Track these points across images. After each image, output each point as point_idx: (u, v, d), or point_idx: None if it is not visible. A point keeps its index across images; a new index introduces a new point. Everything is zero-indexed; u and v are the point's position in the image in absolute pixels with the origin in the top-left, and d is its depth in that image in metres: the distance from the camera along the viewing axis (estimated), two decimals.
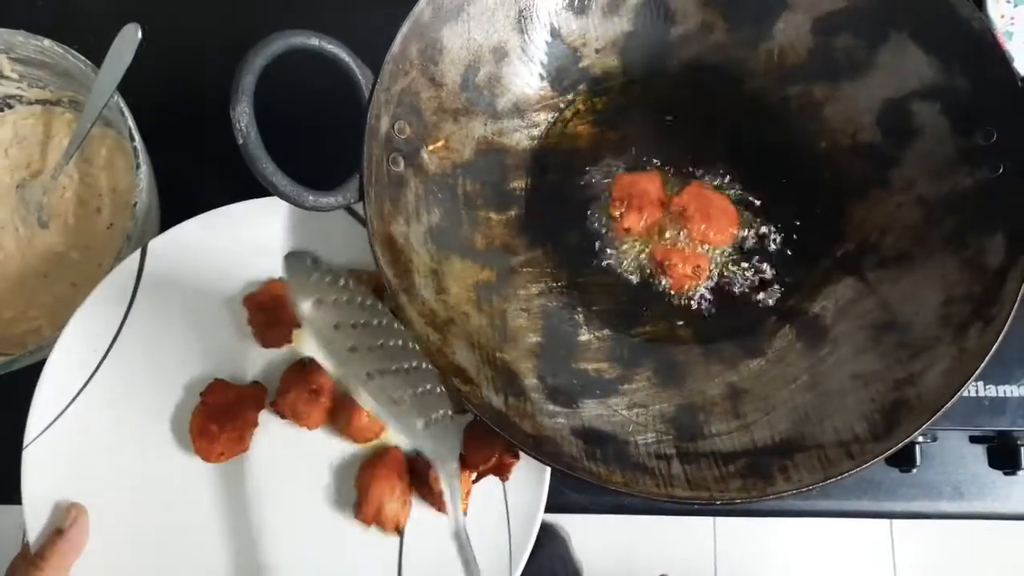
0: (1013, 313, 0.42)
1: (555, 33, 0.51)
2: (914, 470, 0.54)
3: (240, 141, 0.41)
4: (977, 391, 0.53)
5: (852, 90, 0.50)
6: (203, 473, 0.49)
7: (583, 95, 0.53)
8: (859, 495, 0.57)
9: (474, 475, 0.47)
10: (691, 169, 0.52)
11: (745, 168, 0.52)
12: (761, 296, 0.50)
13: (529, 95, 0.52)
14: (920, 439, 0.52)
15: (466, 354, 0.44)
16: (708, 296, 0.50)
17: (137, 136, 0.51)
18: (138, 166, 0.50)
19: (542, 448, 0.41)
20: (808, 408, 0.45)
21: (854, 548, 1.29)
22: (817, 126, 0.51)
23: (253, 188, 0.48)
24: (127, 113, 0.51)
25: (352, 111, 0.47)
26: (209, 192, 0.60)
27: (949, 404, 0.41)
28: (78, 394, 0.48)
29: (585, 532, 1.12)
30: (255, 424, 0.49)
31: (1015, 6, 0.55)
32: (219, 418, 0.48)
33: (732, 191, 0.51)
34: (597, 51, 0.52)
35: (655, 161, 0.52)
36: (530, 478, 0.47)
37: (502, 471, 0.47)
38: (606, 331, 0.49)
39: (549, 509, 0.57)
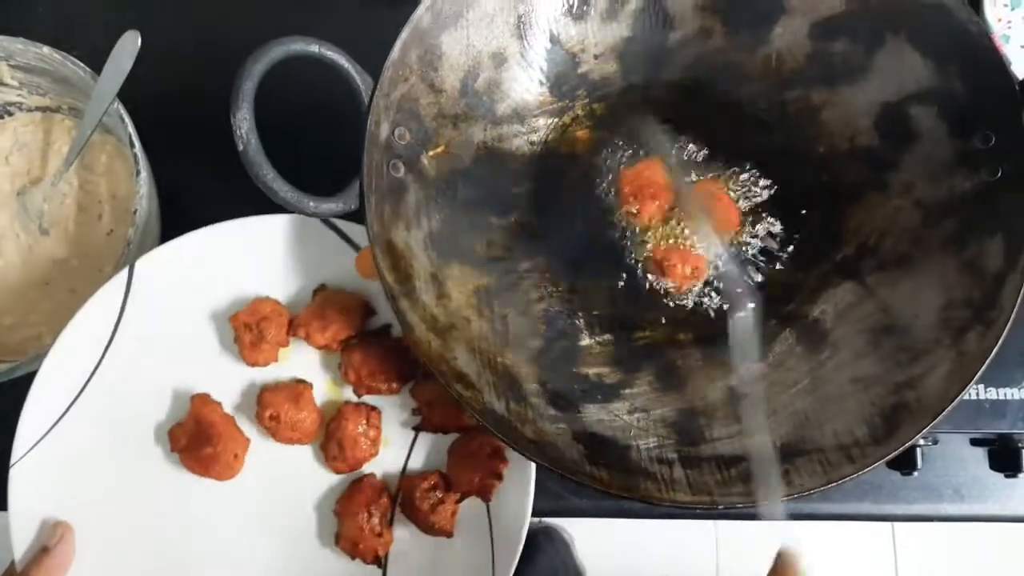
0: (1013, 316, 0.42)
1: (554, 39, 0.51)
2: (915, 473, 0.54)
3: (240, 147, 0.41)
4: (978, 394, 0.53)
5: (850, 94, 0.50)
6: (192, 491, 0.49)
7: (582, 101, 0.53)
8: (860, 498, 0.57)
9: (458, 496, 0.48)
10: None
11: (743, 172, 0.52)
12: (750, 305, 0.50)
13: (528, 101, 0.52)
14: (921, 442, 0.52)
15: (467, 359, 0.44)
16: (710, 300, 0.50)
17: (137, 143, 0.51)
18: (138, 173, 0.50)
19: (544, 453, 0.41)
20: (809, 412, 0.45)
21: (856, 551, 1.29)
22: (815, 130, 0.51)
23: (253, 194, 0.48)
24: (127, 120, 0.51)
25: (351, 118, 0.47)
26: (209, 199, 0.60)
27: (950, 408, 0.41)
28: (65, 412, 0.49)
29: (587, 535, 1.11)
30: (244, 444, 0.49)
31: (1012, 9, 0.56)
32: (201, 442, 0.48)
33: (731, 195, 0.51)
34: (596, 57, 0.52)
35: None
36: (513, 499, 0.47)
37: (485, 492, 0.47)
38: (607, 336, 0.49)
39: (551, 513, 0.57)
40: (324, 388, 0.51)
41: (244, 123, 0.41)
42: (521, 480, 0.47)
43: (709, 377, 0.48)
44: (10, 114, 0.59)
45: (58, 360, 0.48)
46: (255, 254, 0.51)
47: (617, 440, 0.44)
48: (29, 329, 0.55)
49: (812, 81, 0.51)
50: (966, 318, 0.43)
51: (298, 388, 0.49)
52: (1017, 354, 0.52)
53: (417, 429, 0.50)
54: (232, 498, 0.49)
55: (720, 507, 0.41)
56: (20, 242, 0.56)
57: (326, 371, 0.51)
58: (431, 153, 0.48)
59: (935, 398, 0.42)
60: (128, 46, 0.51)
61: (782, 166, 0.52)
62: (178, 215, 0.58)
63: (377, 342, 0.50)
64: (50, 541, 0.46)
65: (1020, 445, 0.53)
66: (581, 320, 0.50)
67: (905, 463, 0.54)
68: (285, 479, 0.50)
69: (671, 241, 0.50)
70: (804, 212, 0.51)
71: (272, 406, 0.48)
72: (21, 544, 0.46)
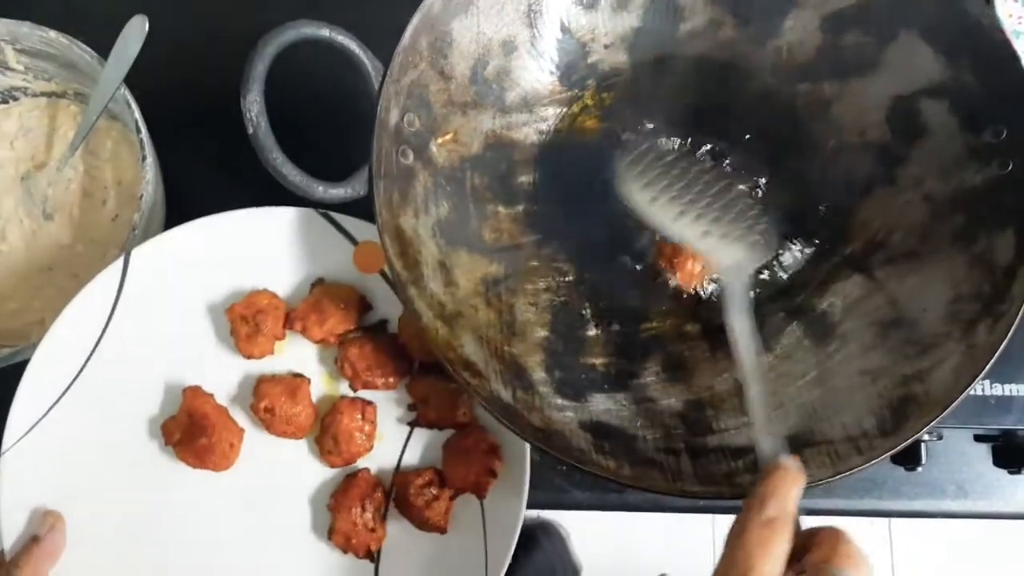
0: (1022, 310, 0.42)
1: (564, 28, 0.51)
2: (919, 468, 0.55)
3: (250, 131, 0.41)
4: (983, 390, 0.53)
5: (861, 88, 0.50)
6: (184, 483, 0.49)
7: (591, 90, 0.53)
8: (863, 494, 0.57)
9: (452, 492, 0.47)
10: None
11: (752, 164, 0.52)
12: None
13: (538, 89, 0.51)
14: (926, 437, 0.52)
15: (474, 347, 0.44)
16: (716, 293, 0.50)
17: (143, 128, 0.50)
18: (144, 158, 0.50)
19: (551, 442, 0.41)
20: (816, 404, 0.45)
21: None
22: (825, 124, 0.51)
23: (259, 181, 0.48)
24: (133, 105, 0.51)
25: (359, 105, 0.47)
26: (215, 186, 0.60)
27: (958, 400, 0.41)
28: (58, 400, 0.48)
29: (584, 530, 1.11)
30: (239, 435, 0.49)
31: None
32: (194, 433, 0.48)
33: (740, 186, 0.51)
34: (606, 46, 0.52)
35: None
36: (508, 496, 0.47)
37: (480, 489, 0.47)
38: (614, 326, 0.49)
39: (552, 506, 0.57)
40: (320, 382, 0.50)
41: (254, 106, 0.41)
42: (516, 477, 0.47)
43: (716, 368, 0.48)
44: (15, 99, 0.58)
45: (51, 348, 0.48)
46: (253, 246, 0.50)
47: (624, 430, 0.44)
48: (32, 314, 0.55)
49: (823, 74, 0.51)
50: (975, 311, 0.43)
51: (295, 382, 0.49)
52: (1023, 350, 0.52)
53: (412, 425, 0.49)
54: (225, 490, 0.49)
55: (727, 497, 0.41)
56: (24, 227, 0.56)
57: (322, 365, 0.51)
58: (440, 140, 0.48)
59: (943, 391, 0.42)
60: (135, 31, 0.51)
61: (792, 159, 0.51)
62: (183, 202, 0.58)
63: (374, 337, 0.49)
64: (40, 530, 0.45)
65: None
66: (588, 310, 0.50)
67: (910, 458, 0.54)
68: (279, 472, 0.49)
69: None
70: (813, 205, 0.51)
71: (268, 398, 0.48)
72: (11, 533, 0.46)
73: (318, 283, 0.51)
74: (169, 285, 0.50)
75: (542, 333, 0.48)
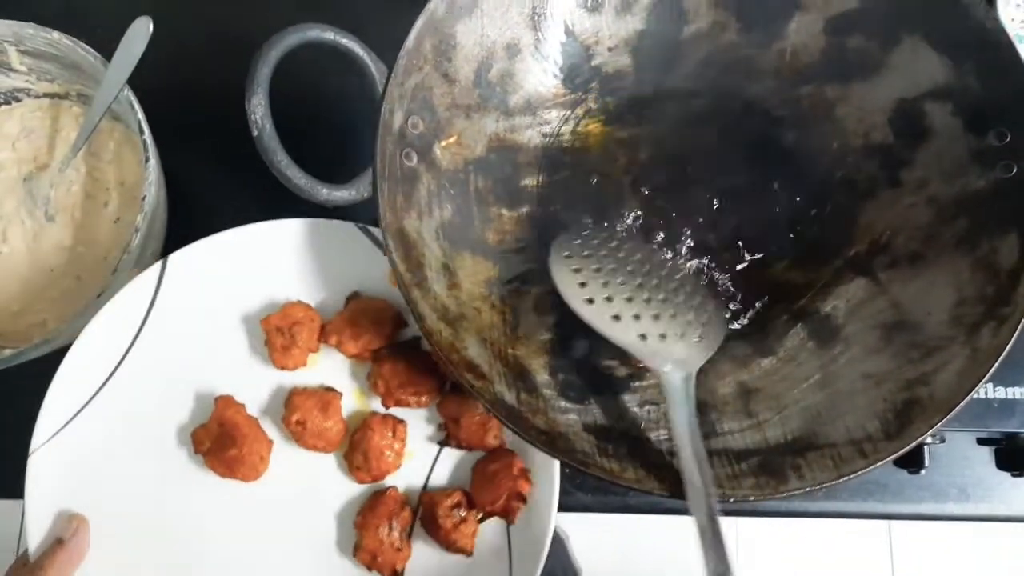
0: None
1: (568, 31, 0.51)
2: (922, 472, 0.55)
3: (255, 133, 0.41)
4: (986, 393, 0.53)
5: (864, 91, 0.50)
6: (210, 492, 0.49)
7: (595, 93, 0.53)
8: (865, 497, 0.57)
9: (480, 515, 0.47)
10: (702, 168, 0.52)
11: (755, 167, 0.52)
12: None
13: (541, 92, 0.51)
14: (929, 440, 0.52)
15: (478, 349, 0.44)
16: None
17: (146, 130, 0.50)
18: (147, 160, 0.50)
19: (555, 444, 0.41)
20: (820, 407, 0.45)
21: (853, 548, 1.29)
22: (829, 126, 0.51)
23: (262, 184, 0.48)
24: (137, 107, 0.51)
25: (363, 107, 0.47)
26: (218, 187, 0.60)
27: (962, 403, 0.41)
28: (87, 403, 0.48)
29: (584, 533, 1.11)
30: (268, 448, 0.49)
31: None
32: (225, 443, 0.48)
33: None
34: (610, 49, 0.52)
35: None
36: (536, 521, 0.47)
37: (509, 514, 0.47)
38: None
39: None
40: (351, 397, 0.50)
41: (259, 109, 0.41)
42: (544, 502, 0.47)
43: (719, 372, 0.48)
44: (18, 100, 0.58)
45: (84, 350, 0.48)
46: (288, 257, 0.50)
47: (627, 432, 0.44)
48: (34, 316, 0.55)
49: (826, 77, 0.51)
50: (979, 315, 0.43)
51: (327, 396, 0.49)
52: None
53: (442, 444, 0.49)
54: (252, 501, 0.48)
55: (730, 500, 0.41)
56: (26, 229, 0.56)
57: (354, 380, 0.50)
58: (444, 143, 0.48)
59: (947, 394, 0.42)
60: (139, 32, 0.51)
61: (794, 162, 0.51)
62: (186, 203, 0.58)
63: (408, 354, 0.49)
64: (65, 533, 0.45)
65: None
66: None
67: (913, 461, 0.54)
68: (307, 485, 0.49)
69: None
70: (816, 208, 0.51)
71: (300, 410, 0.48)
72: (36, 535, 0.46)
73: (353, 297, 0.51)
74: (205, 292, 0.50)
75: (546, 335, 0.48)
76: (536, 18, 0.50)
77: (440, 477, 0.49)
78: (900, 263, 0.48)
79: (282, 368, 0.49)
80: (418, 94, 0.46)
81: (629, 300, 0.45)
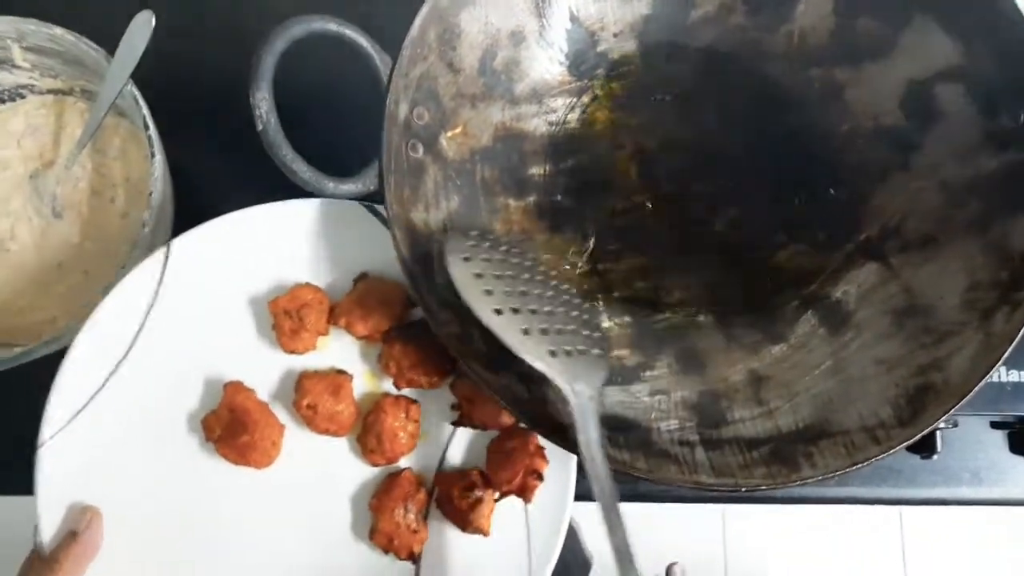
0: None
1: (573, 17, 0.51)
2: (935, 457, 0.54)
3: (260, 127, 0.41)
4: (999, 376, 0.53)
5: (875, 73, 0.49)
6: (223, 479, 0.48)
7: (601, 80, 0.52)
8: (879, 482, 0.57)
9: (496, 494, 0.47)
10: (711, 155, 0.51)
11: (765, 152, 0.51)
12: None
13: (547, 80, 0.51)
14: (942, 425, 0.51)
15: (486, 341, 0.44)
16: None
17: (151, 125, 0.50)
18: (152, 155, 0.49)
19: (566, 435, 0.41)
20: (832, 394, 0.44)
21: (864, 532, 1.29)
22: (839, 110, 0.50)
23: (268, 176, 0.47)
24: (141, 102, 0.50)
25: (368, 99, 0.46)
26: (224, 180, 0.60)
27: (976, 388, 0.41)
28: (96, 393, 0.48)
29: (594, 522, 1.11)
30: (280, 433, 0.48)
31: None
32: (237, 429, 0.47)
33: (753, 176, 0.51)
34: (615, 35, 0.52)
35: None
36: (553, 500, 0.46)
37: (525, 492, 0.46)
38: (626, 318, 0.49)
39: None
40: (362, 379, 0.50)
41: (263, 103, 0.40)
42: (562, 479, 0.46)
43: (730, 359, 0.47)
44: (22, 97, 0.58)
45: (90, 340, 0.47)
46: (294, 239, 0.50)
47: (639, 422, 0.44)
48: (42, 312, 0.55)
49: (836, 59, 0.50)
50: (992, 299, 0.43)
51: (338, 379, 0.48)
52: None
53: (456, 424, 0.49)
54: (265, 487, 0.48)
55: (743, 489, 0.41)
56: (33, 225, 0.56)
57: (364, 362, 0.50)
58: (450, 134, 0.47)
59: (961, 379, 0.41)
60: (142, 26, 0.50)
61: (805, 146, 0.51)
62: (192, 197, 0.58)
63: (418, 334, 0.48)
64: (78, 526, 0.45)
65: None
66: (600, 302, 0.49)
67: (926, 446, 0.53)
68: (320, 470, 0.49)
69: None
70: (827, 193, 0.50)
71: (311, 394, 0.47)
72: (49, 528, 0.46)
73: (361, 278, 0.50)
74: (210, 277, 0.49)
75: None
76: (540, 5, 0.49)
77: (455, 457, 0.49)
78: (911, 247, 0.47)
79: (291, 352, 0.49)
80: (423, 84, 0.45)
81: (534, 312, 0.42)
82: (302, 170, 0.42)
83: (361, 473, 0.49)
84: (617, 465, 0.40)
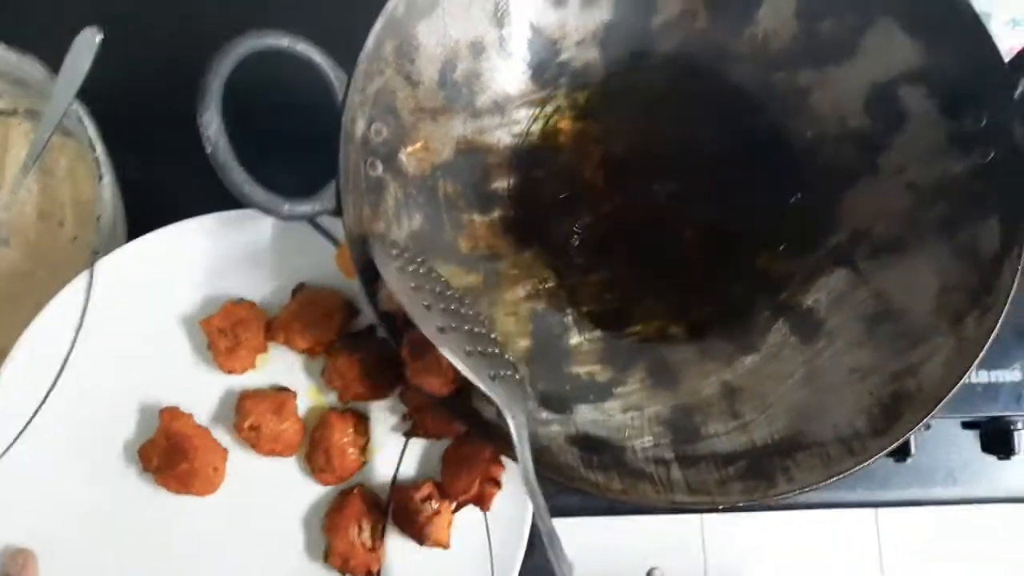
0: (1010, 300, 0.41)
1: (533, 26, 0.49)
2: (908, 459, 0.54)
3: (209, 150, 0.39)
4: (971, 377, 0.52)
5: (839, 75, 0.49)
6: (165, 510, 0.47)
7: (564, 89, 0.51)
8: (852, 485, 0.57)
9: (454, 505, 0.46)
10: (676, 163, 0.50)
11: (730, 159, 0.51)
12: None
13: (509, 91, 0.50)
14: None
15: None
16: None
17: (99, 145, 0.48)
18: (100, 177, 0.48)
19: (539, 459, 0.40)
20: (806, 404, 0.44)
21: (840, 535, 1.30)
22: (804, 114, 0.50)
23: (223, 191, 0.46)
24: (87, 122, 0.49)
25: (326, 115, 0.45)
26: (178, 200, 0.57)
27: (950, 394, 0.40)
28: (23, 430, 0.46)
29: (574, 529, 1.11)
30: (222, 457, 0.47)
31: None
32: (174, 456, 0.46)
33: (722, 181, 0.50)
34: (577, 43, 0.51)
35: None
36: (513, 508, 0.46)
37: (483, 500, 0.45)
38: (596, 332, 0.48)
39: None
40: (306, 395, 0.48)
41: (212, 124, 0.39)
42: (519, 485, 0.45)
43: (703, 371, 0.47)
44: None
45: (12, 375, 0.45)
46: (226, 252, 0.48)
47: (612, 441, 0.43)
48: None
49: (800, 62, 0.50)
50: (963, 303, 0.43)
51: (280, 397, 0.47)
52: (1010, 336, 0.52)
53: (408, 435, 0.48)
54: (211, 516, 0.47)
55: (720, 507, 0.40)
56: None
57: (308, 376, 0.49)
58: (410, 149, 0.46)
59: (935, 385, 0.41)
60: (86, 44, 0.49)
61: (770, 152, 0.50)
62: (145, 215, 0.55)
63: (363, 344, 0.47)
64: (12, 570, 0.43)
65: (1012, 427, 0.53)
66: (570, 317, 0.48)
67: (900, 449, 0.53)
68: (268, 493, 0.47)
69: None
70: (794, 199, 0.50)
71: (252, 415, 0.46)
72: None
73: (299, 289, 0.48)
74: (138, 299, 0.47)
75: (523, 343, 0.47)
76: (499, 15, 0.48)
77: (409, 469, 0.48)
78: (881, 252, 0.47)
79: (229, 371, 0.47)
80: (380, 99, 0.44)
81: (470, 331, 0.40)
82: (254, 192, 0.40)
83: (311, 493, 0.47)
84: (592, 488, 0.40)
